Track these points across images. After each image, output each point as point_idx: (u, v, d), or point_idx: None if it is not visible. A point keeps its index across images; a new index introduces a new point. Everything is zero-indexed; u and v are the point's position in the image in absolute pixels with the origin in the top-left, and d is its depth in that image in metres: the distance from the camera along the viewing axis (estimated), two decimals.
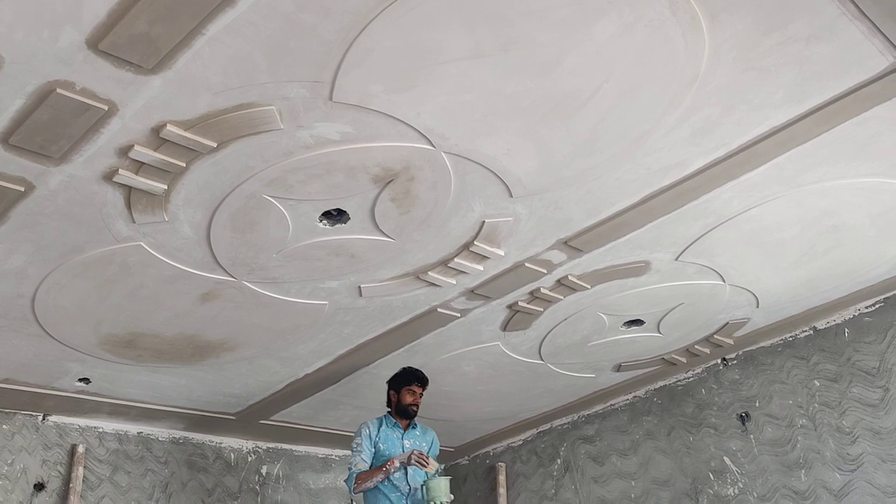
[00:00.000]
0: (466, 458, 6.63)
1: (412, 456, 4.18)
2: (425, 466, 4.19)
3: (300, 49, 2.51)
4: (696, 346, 4.90)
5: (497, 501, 6.23)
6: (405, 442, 4.43)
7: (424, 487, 4.18)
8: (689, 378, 5.30)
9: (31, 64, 2.43)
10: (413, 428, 4.52)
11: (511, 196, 3.35)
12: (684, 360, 5.09)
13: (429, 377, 4.54)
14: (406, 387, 4.47)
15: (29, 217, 3.11)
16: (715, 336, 4.77)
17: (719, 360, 5.13)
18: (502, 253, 3.74)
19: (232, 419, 5.37)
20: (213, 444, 5.57)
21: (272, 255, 3.55)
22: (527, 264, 3.86)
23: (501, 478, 6.28)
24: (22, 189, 2.95)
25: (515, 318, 4.39)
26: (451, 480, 4.24)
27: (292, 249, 3.52)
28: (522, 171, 3.22)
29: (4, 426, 4.67)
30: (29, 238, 3.24)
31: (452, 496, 4.18)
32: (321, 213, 3.32)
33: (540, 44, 2.61)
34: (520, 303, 4.23)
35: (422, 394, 4.52)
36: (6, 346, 4.03)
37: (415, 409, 4.48)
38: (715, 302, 4.37)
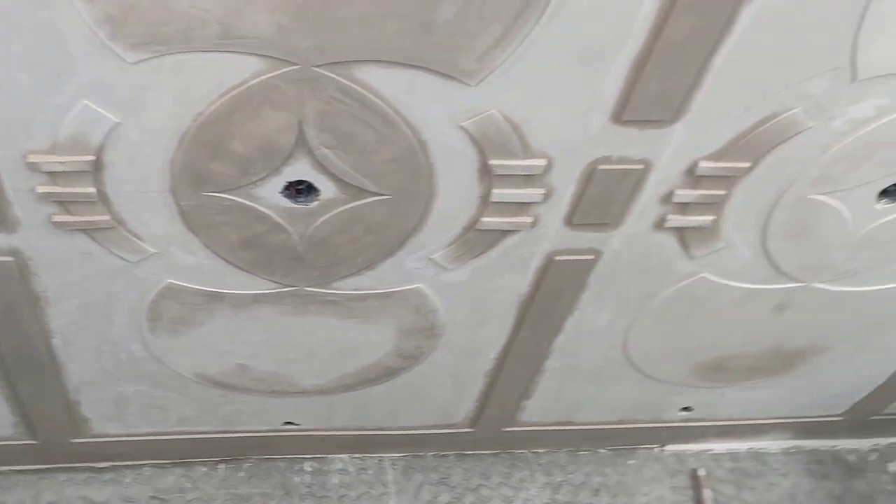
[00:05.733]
0: None
1: None
2: None
3: (808, 46, 2.44)
4: None
5: None
6: None
7: None
8: None
9: (573, 154, 2.78)
10: None
11: None
12: None
13: None
14: None
15: (604, 279, 3.49)
16: None
17: None
18: None
19: (840, 420, 5.15)
20: (827, 448, 5.40)
21: (837, 251, 3.40)
22: None
23: None
24: (592, 257, 3.34)
25: None
26: None
27: (856, 239, 3.33)
28: None
29: (631, 461, 5.19)
30: (609, 296, 3.62)
31: None
32: (878, 193, 3.10)
33: None
34: None
35: None
36: (614, 392, 4.51)
37: None
38: None
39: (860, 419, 5.16)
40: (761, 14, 2.32)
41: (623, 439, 5.11)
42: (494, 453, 5.05)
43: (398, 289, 3.36)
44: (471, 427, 4.69)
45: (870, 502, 5.27)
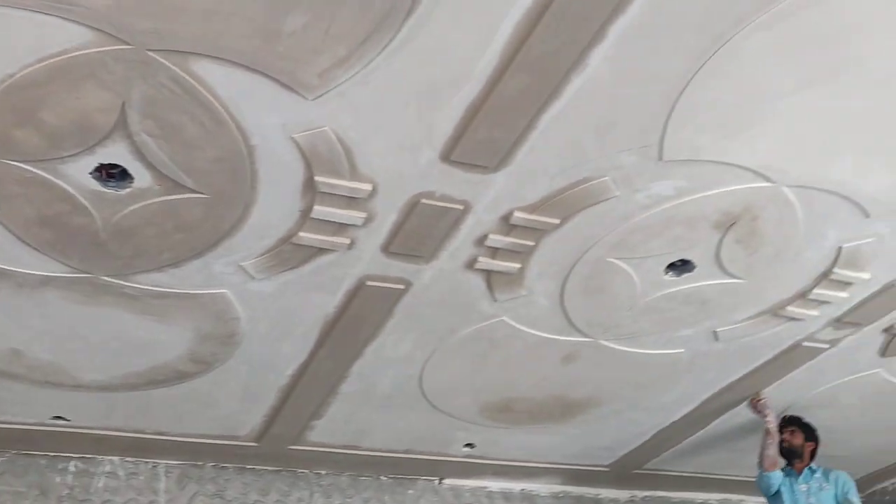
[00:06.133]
0: (862, 495, 6.07)
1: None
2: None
3: (625, 121, 2.65)
4: None
5: None
6: (800, 486, 4.50)
7: None
8: None
9: (398, 184, 2.84)
10: (813, 472, 4.54)
11: (868, 216, 3.16)
12: None
13: (806, 413, 4.49)
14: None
15: (410, 309, 3.55)
16: None
17: None
18: (867, 276, 3.50)
19: (606, 471, 5.49)
20: (591, 496, 5.72)
21: (624, 313, 3.66)
22: None
23: None
24: (403, 287, 3.39)
25: None
26: None
27: (643, 304, 3.60)
28: (876, 188, 3.03)
29: (410, 491, 5.26)
30: (412, 327, 3.69)
31: None
32: (666, 265, 3.38)
33: (871, 56, 2.49)
34: None
35: (792, 431, 4.55)
36: (404, 422, 4.57)
37: (786, 447, 4.54)
38: None
39: (623, 471, 5.52)
40: (588, 84, 2.48)
41: (405, 469, 5.18)
42: (276, 470, 4.94)
43: (202, 291, 3.25)
44: (256, 441, 4.57)
45: None
